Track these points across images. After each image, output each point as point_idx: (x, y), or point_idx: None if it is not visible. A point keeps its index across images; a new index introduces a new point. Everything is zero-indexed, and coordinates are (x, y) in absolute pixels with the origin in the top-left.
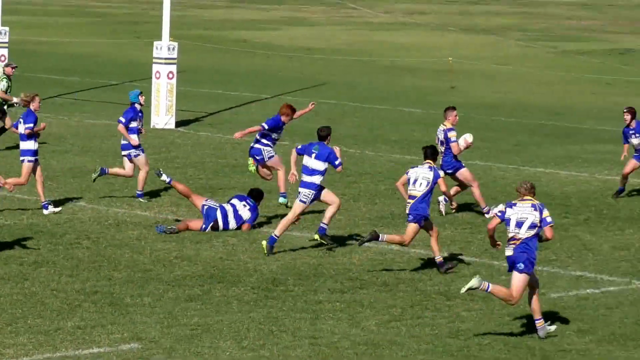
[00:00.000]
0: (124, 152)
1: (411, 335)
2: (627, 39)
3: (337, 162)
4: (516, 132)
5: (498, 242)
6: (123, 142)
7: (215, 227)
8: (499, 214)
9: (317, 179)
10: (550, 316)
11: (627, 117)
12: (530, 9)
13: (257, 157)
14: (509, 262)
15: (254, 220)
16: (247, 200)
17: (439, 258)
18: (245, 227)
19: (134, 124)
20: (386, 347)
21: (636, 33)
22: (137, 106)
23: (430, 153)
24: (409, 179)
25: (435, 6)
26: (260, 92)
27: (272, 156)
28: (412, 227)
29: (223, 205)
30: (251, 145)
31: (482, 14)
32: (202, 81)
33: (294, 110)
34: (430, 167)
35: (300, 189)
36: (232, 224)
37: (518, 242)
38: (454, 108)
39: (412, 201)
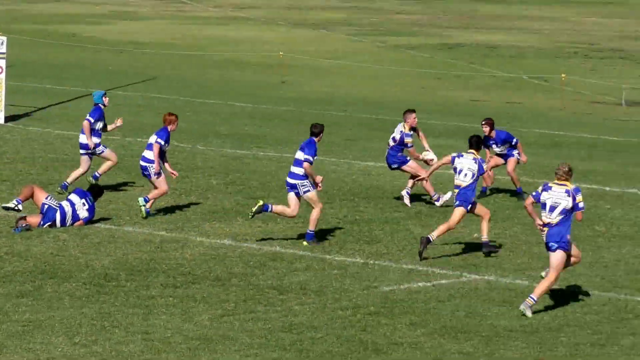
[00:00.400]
0: (83, 151)
1: (244, 330)
2: (456, 34)
3: (304, 157)
4: (347, 126)
5: (540, 224)
6: (82, 141)
7: (52, 225)
8: (534, 193)
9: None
10: (381, 309)
11: (486, 128)
12: (359, 3)
13: (145, 173)
14: (546, 244)
15: (89, 221)
16: (87, 199)
17: (485, 237)
18: (78, 223)
19: (99, 125)
20: (219, 342)
21: (465, 27)
22: (101, 107)
23: (475, 142)
24: (454, 168)
25: (265, 0)
26: (90, 86)
27: (159, 174)
28: (460, 210)
29: (63, 205)
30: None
31: (312, 8)
32: (31, 76)
33: (177, 116)
34: (474, 159)
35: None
36: (69, 223)
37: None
38: (413, 111)
39: (456, 190)
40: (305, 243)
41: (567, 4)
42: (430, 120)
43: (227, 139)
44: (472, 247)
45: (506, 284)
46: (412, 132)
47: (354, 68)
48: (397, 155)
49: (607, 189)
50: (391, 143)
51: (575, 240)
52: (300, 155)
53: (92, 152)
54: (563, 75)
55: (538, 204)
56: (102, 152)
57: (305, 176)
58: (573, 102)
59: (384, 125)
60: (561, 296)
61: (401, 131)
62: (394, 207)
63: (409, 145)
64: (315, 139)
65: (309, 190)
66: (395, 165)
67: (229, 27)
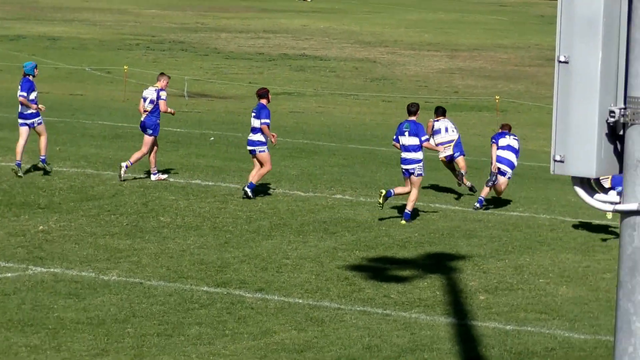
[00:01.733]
0: (24, 121)
1: None
2: (17, 25)
3: (423, 138)
4: None
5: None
6: (24, 112)
7: None
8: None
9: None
10: None
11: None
12: None
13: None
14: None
15: None
16: None
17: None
18: None
19: (33, 95)
20: None
21: (26, 19)
22: (31, 78)
23: (442, 111)
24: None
25: None
26: None
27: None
28: (462, 158)
29: None
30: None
31: None
32: None
33: None
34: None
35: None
36: None
37: None
38: (167, 76)
39: (451, 144)
40: (403, 222)
41: None
42: None
43: None
44: (37, 240)
45: (72, 276)
46: (161, 92)
47: None
48: (156, 120)
49: (172, 180)
50: (149, 107)
51: (141, 232)
52: (414, 140)
53: (31, 123)
54: (125, 67)
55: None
56: (40, 123)
57: (420, 160)
58: (136, 94)
59: None
60: (127, 287)
61: (156, 89)
62: None
63: (162, 97)
64: (414, 118)
65: (421, 174)
66: (150, 130)
67: None
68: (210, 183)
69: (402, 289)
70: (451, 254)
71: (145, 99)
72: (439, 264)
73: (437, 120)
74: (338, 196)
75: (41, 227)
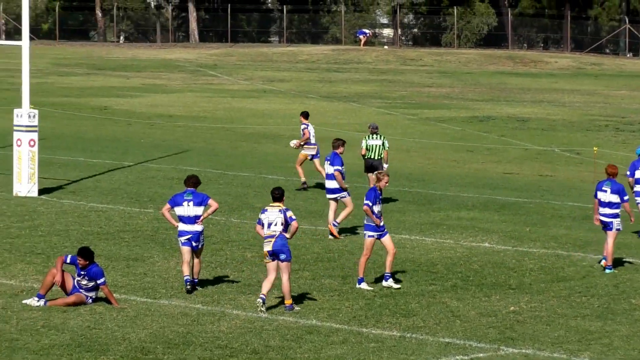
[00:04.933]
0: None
1: None
2: (486, 106)
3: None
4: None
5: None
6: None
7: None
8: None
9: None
10: None
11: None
12: (389, 76)
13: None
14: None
15: (93, 290)
16: (79, 271)
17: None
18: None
19: None
20: None
21: (494, 100)
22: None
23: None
24: (262, 223)
25: (295, 74)
26: (122, 159)
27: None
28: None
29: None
30: None
31: (342, 81)
32: (63, 148)
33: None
34: (280, 210)
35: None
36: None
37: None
38: None
39: (272, 240)
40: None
41: (596, 77)
42: (463, 193)
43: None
44: (508, 320)
45: (544, 357)
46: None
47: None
48: None
49: None
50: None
51: (612, 314)
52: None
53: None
54: (595, 148)
55: None
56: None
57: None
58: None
59: (417, 198)
60: None
61: None
62: (430, 280)
63: None
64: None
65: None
66: None
67: (259, 100)
68: None
69: None
70: None
71: None
72: None
73: (264, 211)
74: None
75: (512, 307)
